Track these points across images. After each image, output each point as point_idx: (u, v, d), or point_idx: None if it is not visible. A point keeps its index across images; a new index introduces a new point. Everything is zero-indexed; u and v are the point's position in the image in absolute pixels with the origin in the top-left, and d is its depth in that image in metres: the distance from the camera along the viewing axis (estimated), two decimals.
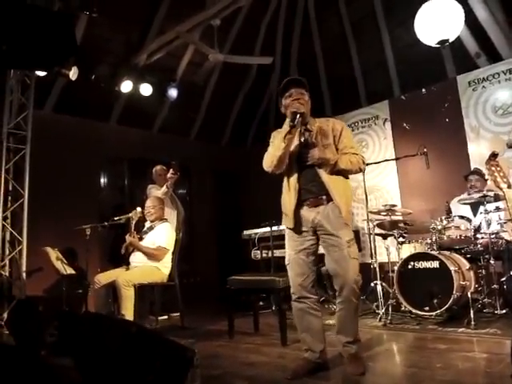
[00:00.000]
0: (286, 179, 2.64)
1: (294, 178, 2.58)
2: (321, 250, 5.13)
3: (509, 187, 2.27)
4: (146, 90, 6.01)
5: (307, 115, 2.62)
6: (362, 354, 2.63)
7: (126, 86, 5.81)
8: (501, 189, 2.27)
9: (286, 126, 2.50)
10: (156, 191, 4.89)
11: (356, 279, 2.47)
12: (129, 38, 5.96)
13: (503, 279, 2.17)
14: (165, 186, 4.65)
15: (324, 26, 6.92)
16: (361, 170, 2.66)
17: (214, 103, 7.30)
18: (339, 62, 6.98)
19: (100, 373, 2.12)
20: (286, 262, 2.62)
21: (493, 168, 2.35)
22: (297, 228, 2.58)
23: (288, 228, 2.63)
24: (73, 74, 5.20)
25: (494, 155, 2.43)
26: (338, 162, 2.52)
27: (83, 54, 5.39)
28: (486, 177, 2.33)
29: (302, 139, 2.62)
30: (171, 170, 4.56)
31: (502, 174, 2.32)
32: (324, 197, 2.54)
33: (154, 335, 2.25)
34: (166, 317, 4.94)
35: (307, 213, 2.55)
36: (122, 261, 4.30)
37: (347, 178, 2.65)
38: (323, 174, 2.53)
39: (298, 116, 2.46)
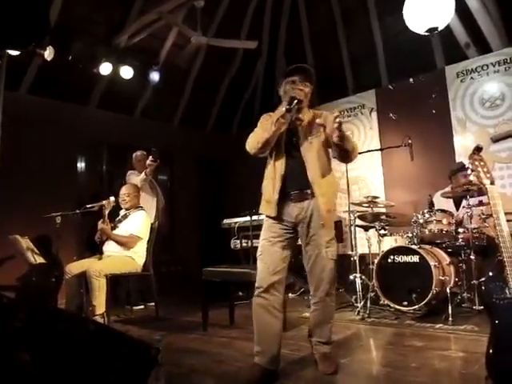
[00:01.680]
0: (271, 164, 2.49)
1: (280, 164, 2.44)
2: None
3: (492, 183, 2.17)
4: (126, 72, 5.81)
5: (304, 105, 2.49)
6: (334, 353, 2.55)
7: (106, 69, 5.60)
8: (483, 185, 2.17)
9: (281, 109, 2.34)
10: (135, 178, 4.77)
11: (332, 280, 2.41)
12: (109, 17, 5.72)
13: (482, 279, 2.10)
14: (143, 173, 4.53)
15: (313, 12, 6.75)
16: (352, 160, 2.55)
17: (198, 88, 7.10)
18: (327, 49, 6.83)
19: (56, 370, 2.01)
20: (258, 253, 2.45)
21: (476, 162, 2.26)
22: (278, 218, 2.43)
23: (268, 216, 2.48)
24: (48, 54, 4.98)
25: (478, 149, 2.34)
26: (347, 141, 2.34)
27: (60, 34, 5.18)
28: (469, 171, 2.22)
29: (291, 126, 2.48)
30: (150, 157, 4.44)
31: (485, 170, 2.23)
32: (309, 191, 2.41)
33: (114, 333, 2.13)
34: (142, 307, 4.83)
35: (291, 207, 2.42)
36: (98, 249, 4.16)
37: (331, 170, 2.52)
38: (310, 165, 2.40)
39: (296, 102, 2.32)
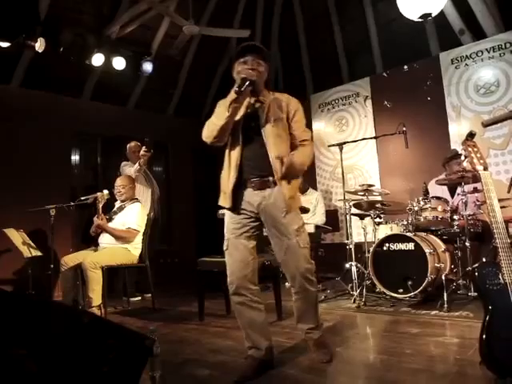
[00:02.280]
0: (227, 153, 2.35)
1: (236, 152, 2.29)
2: None
3: (485, 169, 2.16)
4: (119, 63, 5.75)
5: (260, 86, 2.35)
6: (326, 339, 2.52)
7: (98, 60, 5.54)
8: (476, 171, 2.16)
9: (232, 93, 2.20)
10: (129, 169, 4.75)
11: (308, 268, 2.30)
12: (100, 8, 5.67)
13: (475, 265, 2.10)
14: (137, 164, 4.52)
15: (306, 0, 6.69)
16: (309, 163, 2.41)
17: (192, 78, 7.06)
18: (321, 37, 6.78)
19: (51, 363, 2.01)
20: (224, 247, 2.34)
21: (469, 149, 2.24)
22: (236, 209, 2.31)
23: (226, 208, 2.35)
24: (39, 45, 4.93)
25: (471, 135, 2.31)
26: (299, 163, 2.29)
27: (51, 25, 5.12)
28: (462, 158, 2.21)
29: (249, 110, 2.34)
30: (144, 148, 4.42)
31: (478, 156, 2.21)
32: (270, 178, 2.27)
33: (109, 324, 2.12)
34: (139, 298, 4.84)
35: (251, 196, 2.29)
36: (94, 241, 4.16)
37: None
38: (273, 150, 2.25)
39: (248, 83, 2.18)
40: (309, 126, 6.78)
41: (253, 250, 2.32)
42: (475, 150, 2.20)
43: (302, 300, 2.37)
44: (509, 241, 1.92)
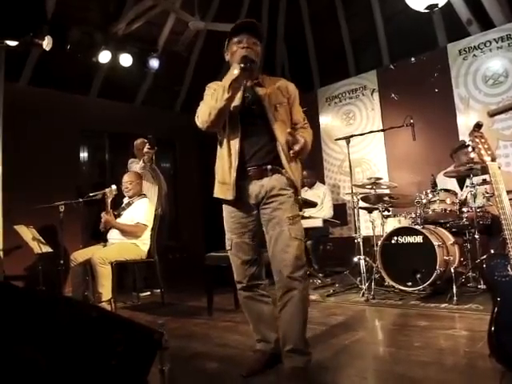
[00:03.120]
0: (225, 141, 2.17)
1: (235, 140, 2.13)
2: (307, 224, 5.04)
3: (493, 160, 2.14)
4: (126, 60, 5.76)
5: (258, 69, 2.18)
6: (310, 370, 2.07)
7: (105, 57, 5.55)
8: (484, 162, 2.14)
9: (234, 72, 2.00)
10: (136, 166, 4.78)
11: (297, 263, 2.03)
12: (106, 5, 5.68)
13: (483, 257, 2.09)
14: (141, 161, 4.55)
15: None
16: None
17: (198, 74, 7.03)
18: (327, 30, 6.73)
19: (61, 357, 2.04)
20: (227, 247, 2.23)
21: (477, 140, 2.22)
22: (239, 202, 2.15)
23: (227, 203, 2.20)
24: (46, 44, 4.95)
25: (478, 126, 2.29)
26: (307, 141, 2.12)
27: (58, 23, 5.15)
28: (470, 149, 2.20)
29: (248, 94, 2.17)
30: (147, 145, 4.45)
31: (486, 146, 2.19)
32: (269, 166, 2.11)
33: (117, 319, 2.14)
34: (148, 293, 4.87)
35: (251, 186, 2.13)
36: (102, 237, 4.19)
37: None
38: (279, 135, 2.11)
39: (250, 61, 2.02)
40: (316, 119, 6.81)
41: (257, 247, 2.19)
42: (482, 140, 2.18)
43: (287, 307, 2.07)
44: None
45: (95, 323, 2.00)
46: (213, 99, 2.08)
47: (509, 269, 1.86)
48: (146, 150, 4.45)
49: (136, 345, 2.07)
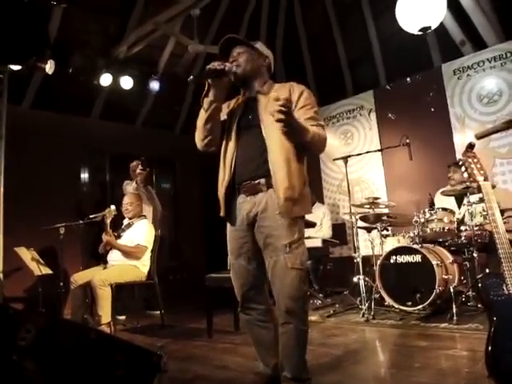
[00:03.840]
0: (222, 154, 2.12)
1: (230, 152, 2.06)
2: (307, 244, 5.07)
3: (485, 179, 2.17)
4: (126, 83, 5.86)
5: (253, 77, 2.11)
6: None
7: (106, 80, 5.66)
8: (477, 181, 2.17)
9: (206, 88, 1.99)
10: (130, 187, 4.81)
11: (295, 296, 1.91)
12: (107, 29, 5.80)
13: (479, 276, 2.10)
14: (134, 182, 4.61)
15: (309, 16, 6.79)
16: (322, 149, 2.04)
17: (198, 95, 7.10)
18: (325, 51, 6.85)
19: (61, 380, 2.04)
20: (229, 267, 2.18)
21: (469, 160, 2.25)
22: (232, 219, 2.08)
23: (226, 221, 2.14)
24: (49, 67, 5.06)
25: (470, 146, 2.32)
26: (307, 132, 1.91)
27: (60, 47, 5.26)
28: (463, 169, 2.23)
29: (244, 106, 2.12)
30: (139, 166, 4.53)
31: (478, 166, 2.22)
32: (262, 180, 1.97)
33: (116, 341, 2.14)
34: (124, 317, 4.81)
35: (243, 203, 2.03)
36: (102, 259, 4.20)
37: (300, 157, 2.01)
38: (272, 145, 1.95)
39: (207, 72, 1.94)
40: None
41: (255, 272, 2.05)
42: (475, 160, 2.21)
43: (286, 335, 1.98)
44: (511, 251, 1.92)
45: (95, 345, 2.01)
46: (199, 119, 2.10)
47: (504, 288, 1.87)
48: (138, 171, 4.53)
49: (135, 368, 2.07)
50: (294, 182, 1.93)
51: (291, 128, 1.87)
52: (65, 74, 5.36)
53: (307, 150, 2.03)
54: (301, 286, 1.93)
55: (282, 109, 1.76)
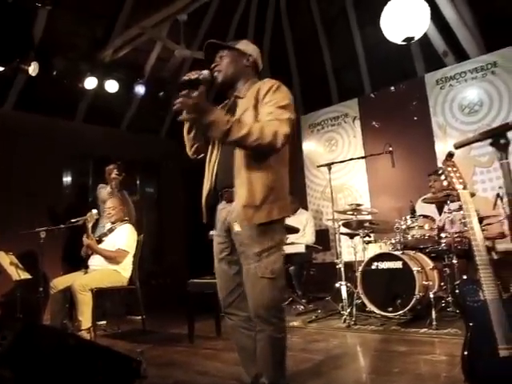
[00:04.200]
0: (207, 160, 2.12)
1: (213, 159, 2.06)
2: (290, 249, 5.08)
3: (464, 188, 2.21)
4: (111, 86, 5.82)
5: (234, 80, 2.07)
6: None
7: (91, 83, 5.62)
8: (455, 190, 2.21)
9: None
10: (104, 191, 4.78)
11: (266, 305, 1.86)
12: (93, 32, 5.77)
13: (456, 282, 2.15)
14: (109, 187, 4.59)
15: (296, 24, 6.86)
16: (273, 147, 1.81)
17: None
18: (311, 59, 6.92)
19: None
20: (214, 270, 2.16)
21: (449, 168, 2.30)
22: (212, 225, 2.09)
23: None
24: (33, 69, 5.01)
25: (450, 155, 2.37)
26: (233, 128, 1.74)
27: (44, 49, 5.22)
28: (442, 177, 2.28)
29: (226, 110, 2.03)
30: (115, 171, 4.50)
31: (457, 175, 2.27)
32: (235, 189, 1.93)
33: (95, 347, 2.13)
34: (104, 322, 4.76)
35: (222, 210, 2.03)
36: (83, 264, 4.16)
37: (263, 159, 1.89)
38: (237, 152, 1.91)
39: (186, 86, 1.85)
40: (299, 146, 6.88)
41: (237, 277, 2.01)
42: (454, 169, 2.25)
43: (261, 343, 1.92)
44: (488, 257, 1.96)
45: (73, 351, 2.00)
46: (184, 128, 2.13)
47: (480, 294, 1.91)
48: (113, 175, 4.50)
49: (114, 374, 2.06)
50: (255, 189, 1.86)
51: (202, 125, 1.79)
52: (49, 76, 5.31)
53: (259, 150, 1.84)
54: (273, 295, 1.87)
55: (181, 105, 1.73)
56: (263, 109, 1.90)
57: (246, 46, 2.14)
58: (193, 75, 1.90)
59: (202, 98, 1.76)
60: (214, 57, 2.12)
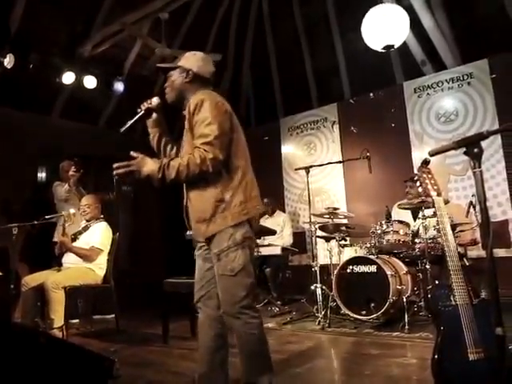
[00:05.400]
0: None
1: None
2: (266, 251, 5.11)
3: (438, 195, 2.27)
4: (90, 82, 5.75)
5: (184, 97, 2.12)
6: None
7: (68, 78, 5.53)
8: (430, 196, 2.26)
9: None
10: (61, 189, 4.67)
11: (230, 301, 1.94)
12: (72, 26, 5.67)
13: (428, 287, 2.20)
14: (67, 184, 4.50)
15: (278, 27, 6.89)
16: (207, 172, 1.89)
17: (164, 99, 7.08)
18: (292, 62, 6.97)
19: None
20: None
21: (424, 175, 2.35)
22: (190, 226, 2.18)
23: None
24: (8, 62, 4.91)
25: (425, 162, 2.42)
26: (165, 174, 1.92)
27: (21, 42, 5.10)
28: (417, 184, 2.33)
29: None
30: (72, 167, 4.43)
31: (432, 182, 2.32)
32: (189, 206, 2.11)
33: (67, 345, 2.10)
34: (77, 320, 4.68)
35: None
36: (55, 261, 4.08)
37: (208, 178, 1.96)
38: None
39: (139, 116, 2.22)
40: (278, 148, 6.91)
41: (208, 273, 2.06)
42: (429, 176, 2.31)
43: (238, 343, 1.98)
44: (460, 264, 2.01)
45: (44, 350, 1.95)
46: None
47: (451, 299, 1.95)
48: (71, 172, 4.43)
49: (86, 373, 2.02)
50: (203, 205, 1.98)
51: (142, 179, 1.98)
52: (25, 69, 5.19)
53: (197, 178, 1.96)
54: (234, 292, 1.93)
55: (118, 173, 1.96)
56: (194, 130, 1.98)
57: (186, 60, 2.16)
58: (144, 106, 2.18)
59: (135, 163, 1.96)
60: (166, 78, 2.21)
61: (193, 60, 2.16)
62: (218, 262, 1.95)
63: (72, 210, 4.03)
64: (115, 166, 1.95)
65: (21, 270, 4.54)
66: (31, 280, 3.72)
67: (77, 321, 4.48)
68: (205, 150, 1.88)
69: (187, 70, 2.12)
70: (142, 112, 2.19)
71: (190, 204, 2.06)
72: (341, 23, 6.23)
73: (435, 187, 2.28)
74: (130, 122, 2.20)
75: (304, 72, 6.79)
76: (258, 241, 5.38)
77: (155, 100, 2.18)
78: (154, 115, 2.21)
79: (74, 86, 5.67)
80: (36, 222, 4.04)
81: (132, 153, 2.01)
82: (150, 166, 1.95)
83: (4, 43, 4.69)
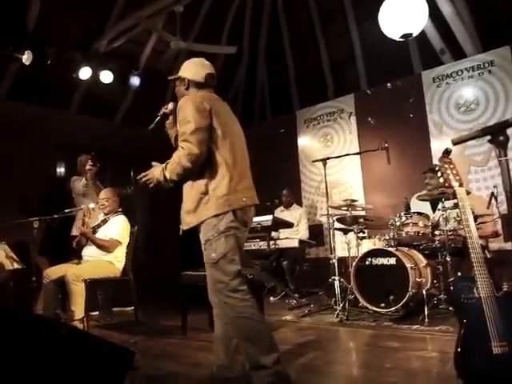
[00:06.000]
0: None
1: None
2: (283, 244, 5.11)
3: (461, 185, 2.22)
4: (106, 77, 5.78)
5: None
6: None
7: (85, 73, 5.57)
8: (452, 187, 2.21)
9: None
10: (78, 183, 4.69)
11: (213, 288, 2.10)
12: (88, 22, 5.71)
13: (450, 279, 2.15)
14: (84, 179, 4.51)
15: (293, 18, 6.83)
16: (188, 168, 2.09)
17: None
18: (307, 53, 6.91)
19: (32, 375, 2.00)
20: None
21: (446, 165, 2.30)
22: None
23: None
24: (26, 58, 4.96)
25: (447, 152, 2.37)
26: (165, 175, 2.16)
27: (39, 38, 5.15)
28: (439, 174, 2.28)
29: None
30: (89, 162, 4.45)
31: (454, 172, 2.27)
32: None
33: (88, 337, 2.12)
34: (97, 312, 4.73)
35: None
36: (73, 255, 4.13)
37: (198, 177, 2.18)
38: None
39: (158, 119, 2.48)
40: (295, 140, 6.90)
41: None
42: (451, 166, 2.25)
43: (231, 330, 2.15)
44: (483, 256, 1.97)
45: (66, 341, 1.98)
46: None
47: (475, 291, 1.91)
48: (88, 166, 4.45)
49: (107, 364, 2.05)
50: (190, 196, 2.18)
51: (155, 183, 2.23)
52: (43, 65, 5.25)
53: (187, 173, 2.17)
54: (216, 277, 2.07)
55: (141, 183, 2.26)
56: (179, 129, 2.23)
57: (184, 70, 2.40)
58: (161, 111, 2.47)
59: (150, 173, 2.24)
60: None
61: (187, 68, 2.39)
62: (204, 252, 2.12)
63: (92, 205, 4.06)
64: (139, 177, 2.27)
65: (41, 263, 4.60)
66: (52, 273, 3.78)
67: (96, 313, 4.52)
68: (182, 148, 2.10)
69: (183, 79, 2.36)
70: (159, 117, 2.49)
71: (183, 198, 2.25)
72: (357, 12, 6.15)
73: (457, 177, 2.22)
74: (152, 125, 2.48)
75: (320, 63, 6.72)
76: (274, 233, 5.37)
77: (170, 106, 2.46)
78: (171, 118, 2.45)
79: (90, 81, 5.71)
80: (56, 216, 4.09)
81: (153, 163, 2.27)
82: (156, 172, 2.21)
83: (22, 41, 4.73)
